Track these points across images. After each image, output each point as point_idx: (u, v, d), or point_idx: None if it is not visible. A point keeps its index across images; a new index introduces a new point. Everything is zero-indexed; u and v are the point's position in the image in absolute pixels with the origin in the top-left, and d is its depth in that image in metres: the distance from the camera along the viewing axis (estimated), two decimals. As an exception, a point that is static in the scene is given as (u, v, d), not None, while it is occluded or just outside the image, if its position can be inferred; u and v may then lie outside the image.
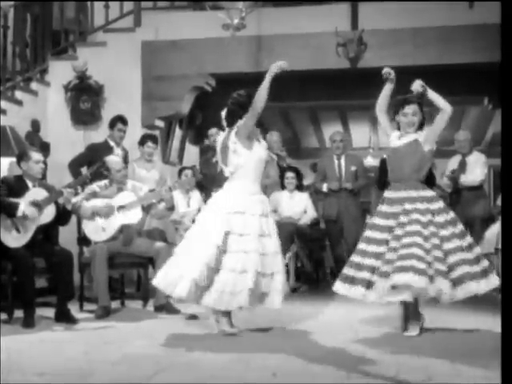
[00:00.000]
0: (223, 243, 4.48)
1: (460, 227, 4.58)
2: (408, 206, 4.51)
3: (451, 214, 4.59)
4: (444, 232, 4.49)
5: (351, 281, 4.54)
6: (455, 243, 4.50)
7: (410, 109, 4.59)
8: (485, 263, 4.55)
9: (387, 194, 4.66)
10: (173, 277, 4.49)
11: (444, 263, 4.39)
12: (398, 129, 4.70)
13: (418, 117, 4.61)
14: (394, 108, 4.66)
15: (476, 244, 4.72)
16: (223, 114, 4.78)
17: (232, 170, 4.66)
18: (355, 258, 4.59)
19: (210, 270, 4.43)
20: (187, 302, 4.61)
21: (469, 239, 4.58)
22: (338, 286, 4.63)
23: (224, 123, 4.78)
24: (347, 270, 4.60)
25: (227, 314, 4.64)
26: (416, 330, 4.51)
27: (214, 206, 4.68)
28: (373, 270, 4.48)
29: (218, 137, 4.98)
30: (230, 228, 4.51)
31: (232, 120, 4.70)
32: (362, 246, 4.61)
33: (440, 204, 4.58)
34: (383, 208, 4.62)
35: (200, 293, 4.45)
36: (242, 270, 4.45)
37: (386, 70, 4.69)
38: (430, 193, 4.64)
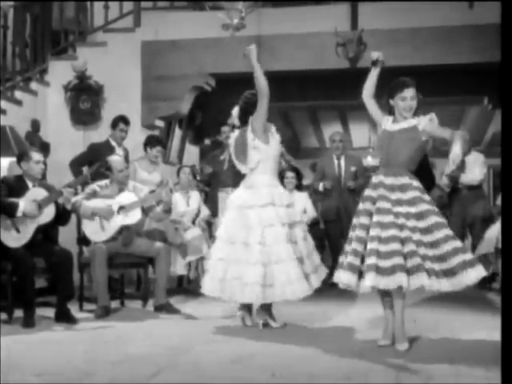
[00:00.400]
0: (265, 237, 4.61)
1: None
2: (415, 194, 4.24)
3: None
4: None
5: (391, 271, 4.04)
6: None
7: (409, 92, 4.28)
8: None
9: (384, 179, 4.28)
10: (233, 285, 4.60)
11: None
12: (390, 113, 4.41)
13: (415, 101, 4.31)
14: (389, 91, 4.36)
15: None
16: (235, 112, 4.90)
17: (253, 166, 4.77)
18: (381, 248, 4.09)
19: (265, 266, 4.55)
20: (257, 302, 4.71)
21: None
22: (381, 281, 4.06)
23: (236, 122, 4.91)
24: (379, 261, 4.07)
25: (249, 308, 4.85)
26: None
27: (242, 201, 4.77)
28: (404, 255, 4.07)
29: (230, 134, 5.10)
30: (269, 221, 4.64)
31: (245, 118, 4.82)
32: (375, 232, 4.15)
33: (427, 195, 4.44)
34: (383, 192, 4.25)
35: (265, 291, 4.54)
36: (295, 257, 4.62)
37: (374, 54, 4.43)
38: (418, 183, 4.46)
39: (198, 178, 7.43)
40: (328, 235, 7.75)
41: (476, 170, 7.39)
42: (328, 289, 5.59)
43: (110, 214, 5.63)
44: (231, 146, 4.94)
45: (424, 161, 7.28)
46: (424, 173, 6.79)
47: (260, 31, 7.65)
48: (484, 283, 7.03)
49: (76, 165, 6.81)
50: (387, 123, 4.41)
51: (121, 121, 6.88)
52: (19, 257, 5.04)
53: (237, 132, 4.91)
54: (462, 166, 7.42)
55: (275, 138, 4.85)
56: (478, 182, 7.39)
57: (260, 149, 4.73)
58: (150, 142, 6.83)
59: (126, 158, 6.77)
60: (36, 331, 4.77)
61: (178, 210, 6.76)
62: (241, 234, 4.68)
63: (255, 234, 4.62)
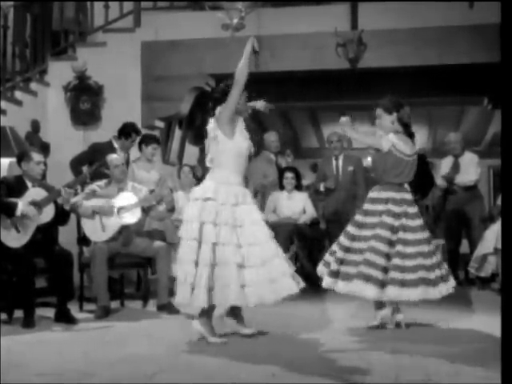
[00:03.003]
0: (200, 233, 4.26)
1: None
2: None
3: None
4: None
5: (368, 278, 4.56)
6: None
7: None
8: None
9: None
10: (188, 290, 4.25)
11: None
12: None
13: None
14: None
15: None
16: (210, 104, 4.58)
17: (212, 157, 4.42)
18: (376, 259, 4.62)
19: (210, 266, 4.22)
20: (207, 307, 4.32)
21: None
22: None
23: (211, 113, 4.54)
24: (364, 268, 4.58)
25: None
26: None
27: (193, 193, 4.47)
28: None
29: None
30: (205, 217, 4.28)
31: (214, 109, 4.50)
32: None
33: None
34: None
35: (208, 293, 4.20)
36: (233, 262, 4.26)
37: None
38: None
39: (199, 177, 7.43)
40: (329, 235, 7.75)
41: (471, 170, 7.41)
42: (328, 289, 5.57)
43: (110, 211, 5.62)
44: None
45: (423, 162, 7.31)
46: (423, 174, 6.81)
47: (260, 31, 7.63)
48: (484, 283, 7.04)
49: (76, 164, 6.79)
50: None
51: (134, 132, 6.78)
52: (19, 257, 5.04)
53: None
54: (457, 168, 7.45)
55: (243, 134, 4.50)
56: (473, 182, 7.42)
57: (219, 140, 4.38)
58: (144, 141, 6.80)
59: (127, 160, 6.77)
60: (36, 331, 4.77)
61: (178, 206, 6.76)
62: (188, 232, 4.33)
63: (193, 228, 4.27)
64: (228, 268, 4.24)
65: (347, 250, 4.69)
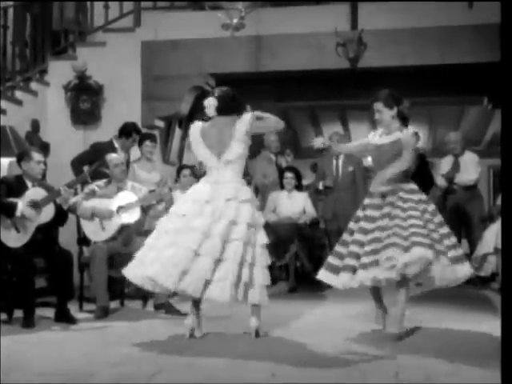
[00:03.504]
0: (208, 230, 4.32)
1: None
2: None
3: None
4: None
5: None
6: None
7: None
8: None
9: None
10: (175, 274, 4.26)
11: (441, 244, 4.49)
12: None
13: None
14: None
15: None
16: (212, 102, 4.53)
17: (231, 159, 4.48)
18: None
19: (215, 261, 4.27)
20: (194, 296, 4.36)
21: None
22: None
23: (211, 111, 4.53)
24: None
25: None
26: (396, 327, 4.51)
27: (204, 195, 4.48)
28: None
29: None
30: (213, 215, 4.36)
31: (226, 108, 4.53)
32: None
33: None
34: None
35: (203, 285, 4.24)
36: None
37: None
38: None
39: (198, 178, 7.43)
40: (327, 234, 7.77)
41: (471, 169, 7.43)
42: (329, 289, 5.58)
43: (109, 215, 5.62)
44: (198, 136, 4.56)
45: (423, 162, 7.32)
46: (423, 174, 6.81)
47: (260, 31, 7.66)
48: (484, 283, 7.04)
49: (77, 164, 6.79)
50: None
51: (135, 131, 6.81)
52: (19, 257, 5.04)
53: (208, 122, 4.57)
54: (457, 168, 7.46)
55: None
56: (473, 181, 7.44)
57: (245, 145, 4.52)
58: (139, 140, 6.83)
59: (128, 159, 6.77)
60: (36, 331, 4.77)
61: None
62: (202, 226, 4.33)
63: (219, 227, 4.32)
64: (226, 263, 4.28)
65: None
